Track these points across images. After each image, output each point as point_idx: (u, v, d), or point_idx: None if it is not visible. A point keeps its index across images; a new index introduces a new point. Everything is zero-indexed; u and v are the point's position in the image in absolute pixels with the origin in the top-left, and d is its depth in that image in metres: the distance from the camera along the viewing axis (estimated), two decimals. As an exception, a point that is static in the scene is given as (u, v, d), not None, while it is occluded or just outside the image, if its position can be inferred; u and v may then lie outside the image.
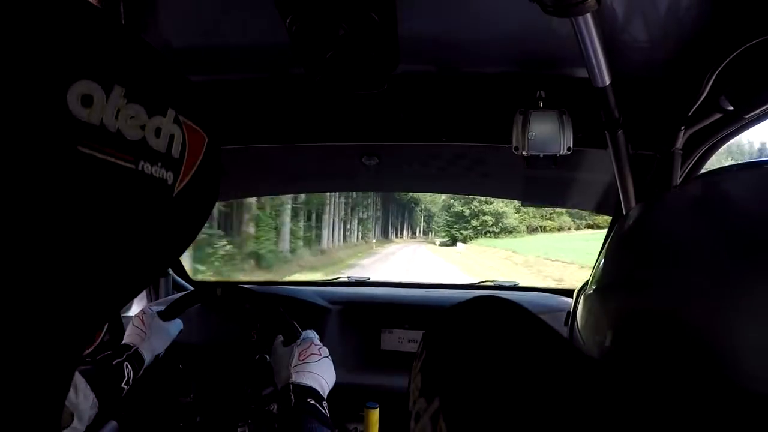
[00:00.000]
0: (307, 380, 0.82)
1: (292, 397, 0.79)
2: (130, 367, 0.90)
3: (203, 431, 1.12)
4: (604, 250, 0.34)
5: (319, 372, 0.85)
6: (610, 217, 1.35)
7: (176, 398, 1.14)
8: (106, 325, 0.87)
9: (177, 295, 1.20)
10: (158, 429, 1.15)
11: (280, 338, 0.96)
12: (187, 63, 0.96)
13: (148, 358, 0.96)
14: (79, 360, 0.32)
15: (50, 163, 0.24)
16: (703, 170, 1.00)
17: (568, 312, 0.42)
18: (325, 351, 0.91)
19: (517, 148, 0.94)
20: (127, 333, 1.01)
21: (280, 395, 0.83)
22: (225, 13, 0.79)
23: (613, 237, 0.32)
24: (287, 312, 1.01)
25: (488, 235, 36.89)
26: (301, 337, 0.94)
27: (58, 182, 0.24)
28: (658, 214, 0.29)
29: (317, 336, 0.96)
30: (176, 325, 1.09)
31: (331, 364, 0.90)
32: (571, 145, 0.92)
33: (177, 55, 0.92)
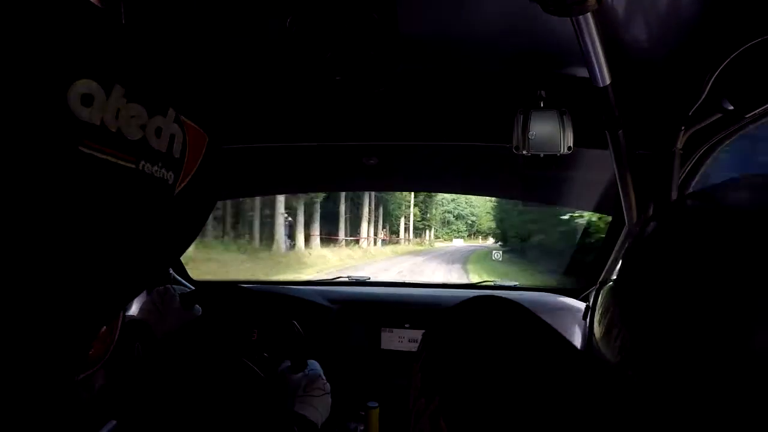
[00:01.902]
0: (309, 413, 0.91)
1: (296, 429, 0.86)
2: (140, 347, 0.92)
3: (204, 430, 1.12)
4: (626, 247, 0.34)
5: (320, 407, 0.93)
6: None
7: (178, 397, 1.14)
8: (118, 328, 0.88)
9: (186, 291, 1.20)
10: (159, 429, 1.15)
11: (286, 363, 1.00)
12: (187, 63, 0.96)
13: (159, 336, 0.99)
14: (82, 358, 0.32)
15: (51, 162, 0.24)
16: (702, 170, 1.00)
17: (587, 306, 0.41)
18: (328, 387, 0.98)
19: (517, 148, 0.95)
20: (142, 308, 1.02)
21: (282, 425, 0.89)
22: (225, 14, 0.79)
23: (648, 232, 0.31)
24: (288, 312, 1.02)
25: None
26: (309, 368, 1.00)
27: (58, 182, 0.24)
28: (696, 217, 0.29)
29: (321, 369, 1.01)
30: (195, 311, 1.11)
31: (330, 400, 0.97)
32: (572, 145, 0.92)
33: (177, 55, 0.92)
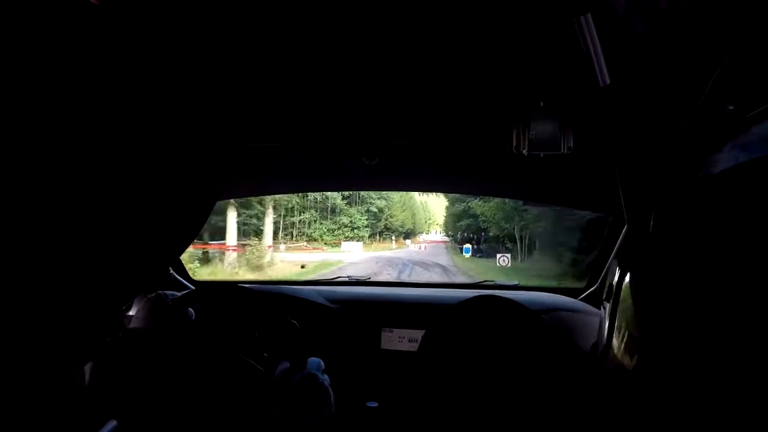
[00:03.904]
0: (309, 417, 0.91)
1: None
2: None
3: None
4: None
5: (317, 408, 0.94)
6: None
7: (177, 397, 1.15)
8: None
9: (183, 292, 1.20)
10: (160, 428, 1.15)
11: (285, 365, 1.00)
12: (188, 63, 0.96)
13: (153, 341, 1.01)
14: (85, 355, 0.32)
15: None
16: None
17: (611, 284, 0.41)
18: (327, 382, 0.98)
19: (517, 148, 0.95)
20: (135, 316, 1.03)
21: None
22: (225, 13, 0.79)
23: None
24: (287, 312, 1.02)
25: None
26: (307, 368, 1.00)
27: (65, 181, 0.24)
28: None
29: (322, 364, 1.00)
30: (189, 314, 1.11)
31: (329, 397, 0.97)
32: (572, 145, 0.92)
33: (178, 56, 0.92)
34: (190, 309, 1.11)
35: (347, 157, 1.33)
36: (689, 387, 0.23)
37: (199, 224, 0.37)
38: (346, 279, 1.79)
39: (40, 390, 0.28)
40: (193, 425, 1.13)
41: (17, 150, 0.23)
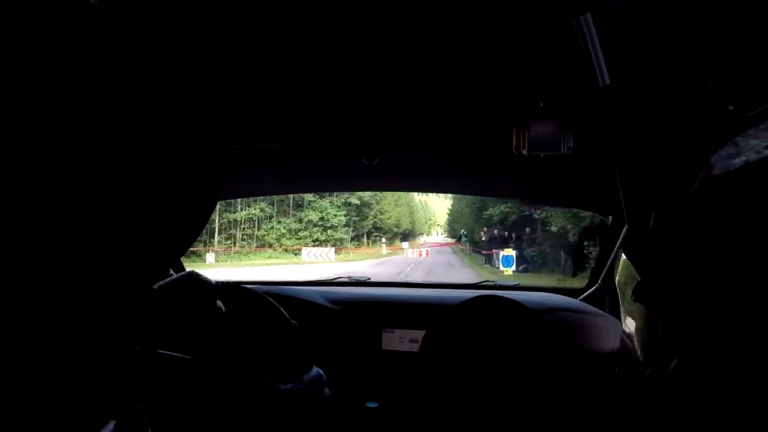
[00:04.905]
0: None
1: None
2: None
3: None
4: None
5: (306, 428, 0.91)
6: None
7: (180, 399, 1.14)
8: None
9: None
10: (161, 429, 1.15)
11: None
12: (188, 63, 0.96)
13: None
14: (88, 357, 0.32)
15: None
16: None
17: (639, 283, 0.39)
18: (318, 399, 0.94)
19: (517, 148, 0.95)
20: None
21: None
22: (225, 13, 0.79)
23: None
24: (289, 312, 1.01)
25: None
26: (305, 380, 0.95)
27: (67, 180, 0.24)
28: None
29: (323, 378, 0.97)
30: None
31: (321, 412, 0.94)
32: (572, 145, 0.92)
33: (178, 56, 0.92)
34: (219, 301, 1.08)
35: (347, 157, 1.33)
36: (694, 386, 0.23)
37: (200, 225, 0.37)
38: (347, 279, 1.79)
39: (40, 392, 0.28)
40: (194, 427, 1.13)
41: (15, 151, 0.23)
